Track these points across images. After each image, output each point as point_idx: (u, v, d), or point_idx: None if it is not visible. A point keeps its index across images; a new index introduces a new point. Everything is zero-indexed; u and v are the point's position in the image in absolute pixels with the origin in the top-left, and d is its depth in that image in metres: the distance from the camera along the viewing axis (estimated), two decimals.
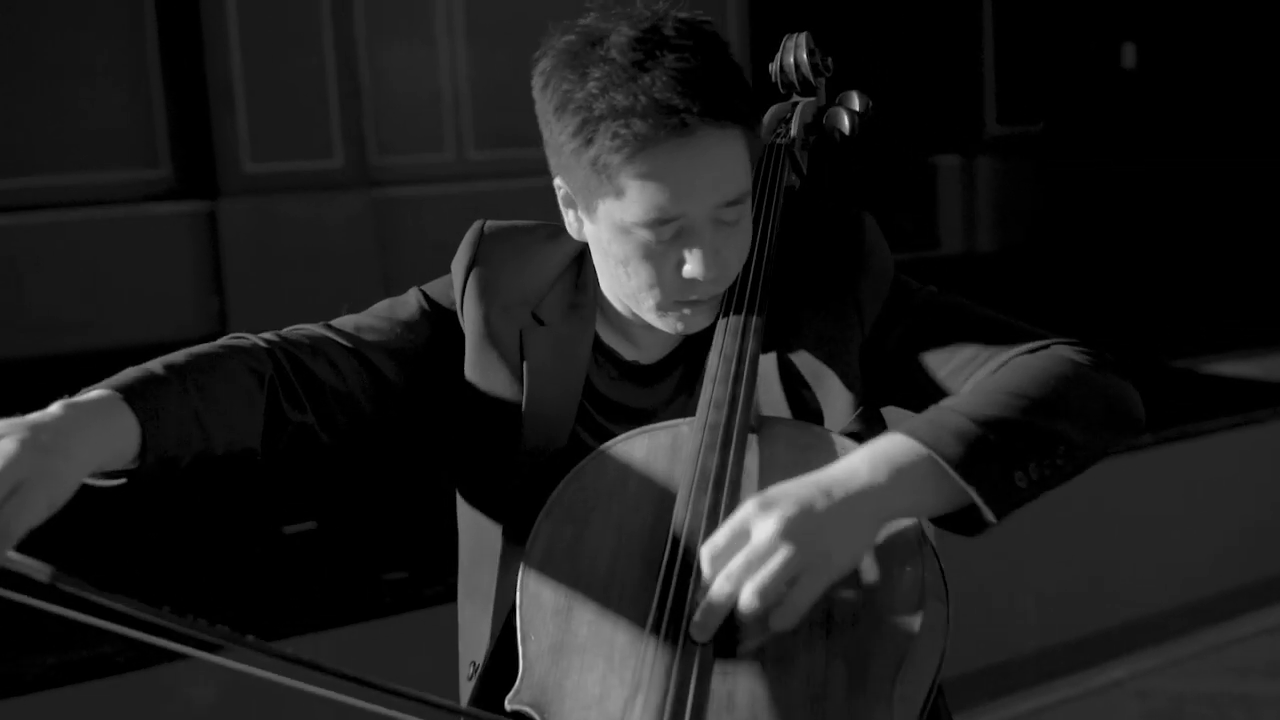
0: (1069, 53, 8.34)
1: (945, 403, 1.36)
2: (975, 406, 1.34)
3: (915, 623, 1.30)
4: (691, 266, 1.41)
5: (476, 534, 1.57)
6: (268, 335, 1.48)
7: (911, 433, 1.31)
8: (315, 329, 1.53)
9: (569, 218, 1.49)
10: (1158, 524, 4.11)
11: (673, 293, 1.44)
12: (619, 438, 1.46)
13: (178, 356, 1.38)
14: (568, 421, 1.52)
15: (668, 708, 1.25)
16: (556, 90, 1.40)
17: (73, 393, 1.29)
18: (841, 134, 1.74)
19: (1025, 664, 3.75)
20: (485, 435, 1.55)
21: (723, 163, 1.39)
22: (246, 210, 6.03)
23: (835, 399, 1.49)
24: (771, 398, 1.50)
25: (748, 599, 1.23)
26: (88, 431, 1.23)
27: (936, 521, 1.37)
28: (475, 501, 1.58)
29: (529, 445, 1.52)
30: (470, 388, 1.55)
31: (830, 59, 1.82)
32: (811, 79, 1.80)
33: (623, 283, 1.46)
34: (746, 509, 1.27)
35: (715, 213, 1.41)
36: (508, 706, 1.36)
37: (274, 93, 6.00)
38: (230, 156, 6.00)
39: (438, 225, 6.17)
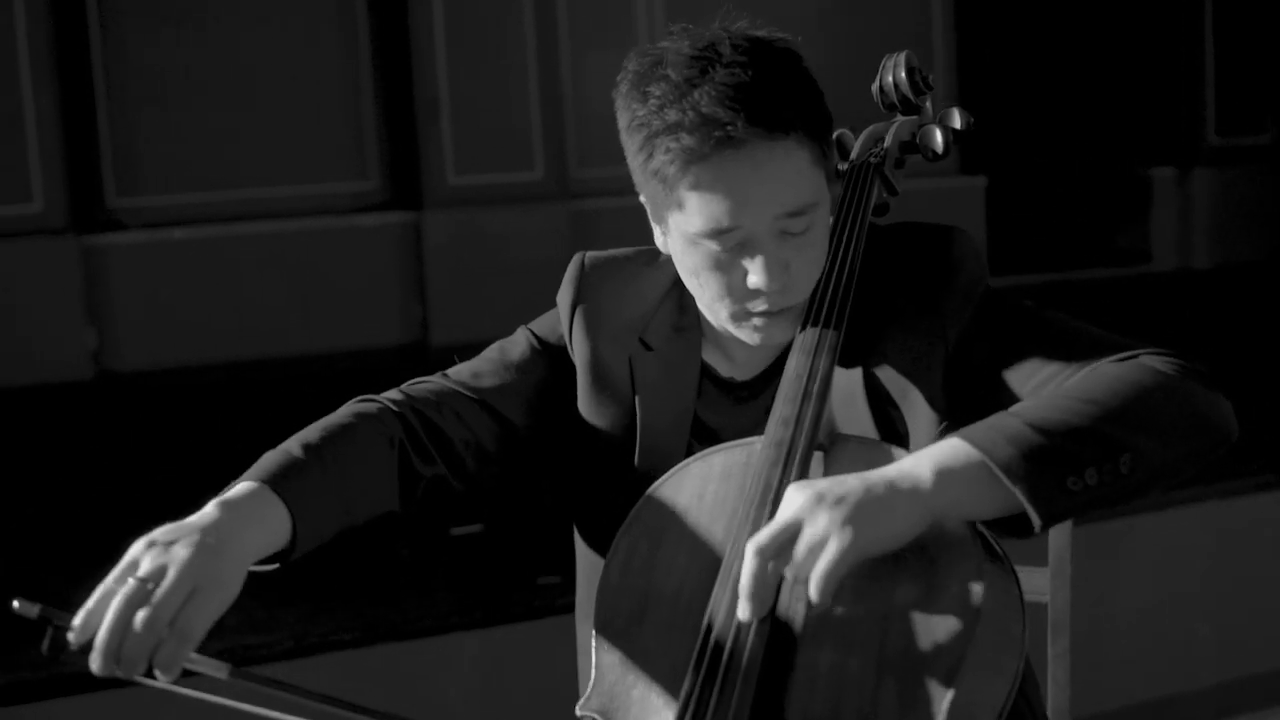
0: None
1: (1011, 408, 1.36)
2: (1036, 411, 1.34)
3: (969, 632, 1.28)
4: (755, 276, 1.44)
5: (592, 560, 1.60)
6: (393, 395, 1.55)
7: (966, 436, 1.33)
8: (435, 381, 1.60)
9: (656, 234, 1.55)
10: None
11: (742, 303, 1.47)
12: (698, 454, 1.49)
13: (312, 434, 1.45)
14: (682, 443, 1.56)
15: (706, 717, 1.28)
16: (625, 110, 1.47)
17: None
18: (934, 152, 1.74)
19: (1201, 698, 3.61)
20: (600, 464, 1.59)
21: (779, 173, 1.41)
22: (450, 222, 6.23)
23: (920, 416, 1.50)
24: (857, 415, 1.51)
25: (770, 571, 1.27)
26: (248, 532, 1.31)
27: (993, 526, 1.37)
28: (589, 528, 1.62)
29: (642, 470, 1.55)
30: (584, 419, 1.60)
31: (931, 76, 1.82)
32: (912, 97, 1.80)
33: (699, 294, 1.51)
34: (784, 496, 1.31)
35: (777, 224, 1.43)
36: (578, 712, 1.41)
37: (478, 106, 6.18)
38: (435, 169, 6.21)
39: (636, 237, 6.22)
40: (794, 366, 1.46)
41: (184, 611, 1.22)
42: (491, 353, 1.63)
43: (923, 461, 1.31)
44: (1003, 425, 1.32)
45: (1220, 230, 7.94)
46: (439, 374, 1.61)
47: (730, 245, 1.44)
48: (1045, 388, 1.43)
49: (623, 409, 1.59)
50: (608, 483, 1.58)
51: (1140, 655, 3.56)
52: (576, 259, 1.67)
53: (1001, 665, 1.31)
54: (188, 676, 1.24)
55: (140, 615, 1.20)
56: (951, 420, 1.48)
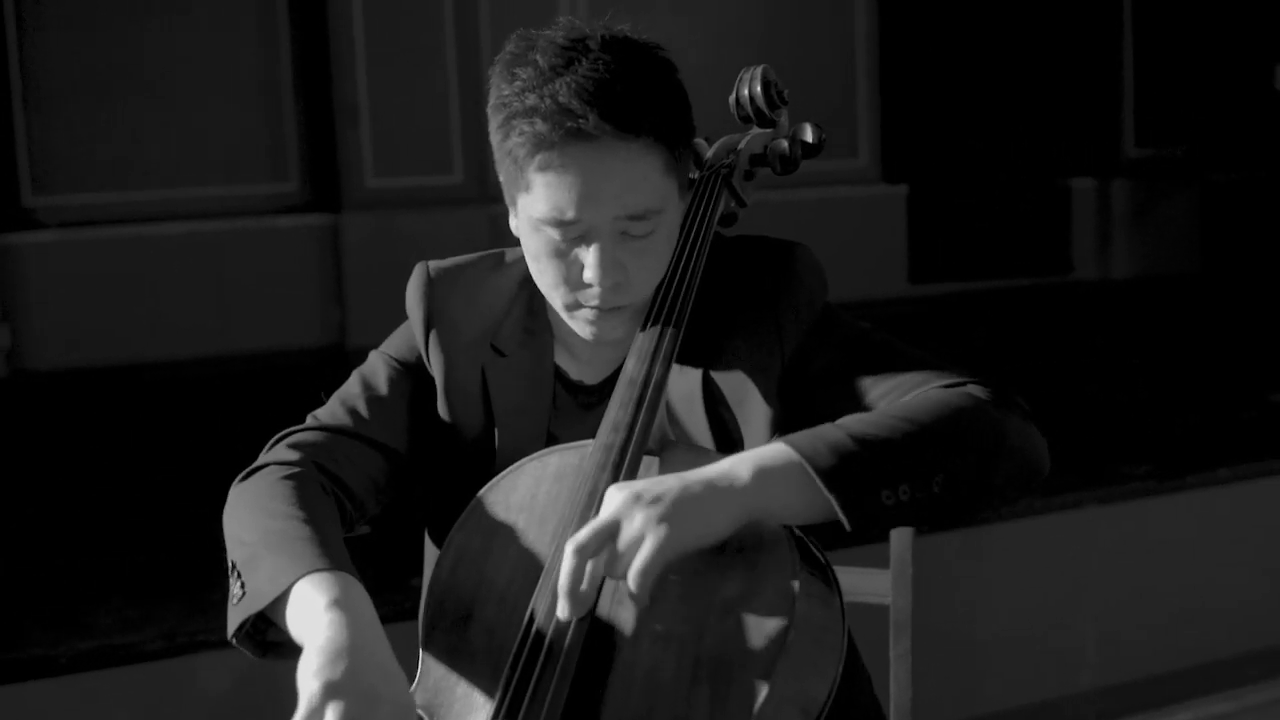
0: (1215, 75, 8.09)
1: (837, 421, 1.39)
2: (859, 425, 1.37)
3: (782, 636, 1.30)
4: (589, 271, 1.46)
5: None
6: (288, 455, 1.51)
7: (790, 441, 1.35)
8: (314, 431, 1.56)
9: (510, 217, 1.54)
10: (1240, 563, 3.97)
11: (575, 293, 1.48)
12: (534, 455, 1.50)
13: (291, 508, 1.40)
14: (538, 448, 1.54)
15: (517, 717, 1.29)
16: (494, 88, 1.48)
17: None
18: (783, 164, 1.77)
19: (1081, 701, 3.67)
20: (460, 469, 1.59)
21: (625, 174, 1.43)
22: (368, 224, 6.22)
23: (755, 423, 1.53)
24: (694, 418, 1.54)
25: (591, 571, 1.28)
26: (378, 632, 1.28)
27: (816, 530, 1.40)
28: (442, 531, 1.59)
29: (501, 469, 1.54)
30: (445, 429, 1.60)
31: (786, 91, 1.85)
32: (766, 111, 1.83)
33: (539, 278, 1.52)
34: (605, 497, 1.33)
35: (618, 223, 1.45)
36: None
37: (397, 109, 6.18)
38: (354, 171, 6.20)
39: None
40: (629, 371, 1.48)
41: None
42: (354, 387, 1.61)
43: (743, 461, 1.34)
44: (825, 434, 1.36)
45: (1139, 241, 8.06)
46: (310, 418, 1.59)
47: (570, 236, 1.45)
48: (874, 406, 1.47)
49: (480, 420, 1.59)
50: (467, 488, 1.57)
51: (998, 663, 3.60)
52: (420, 270, 1.65)
53: (820, 667, 1.34)
54: None
55: None
56: (783, 431, 1.49)
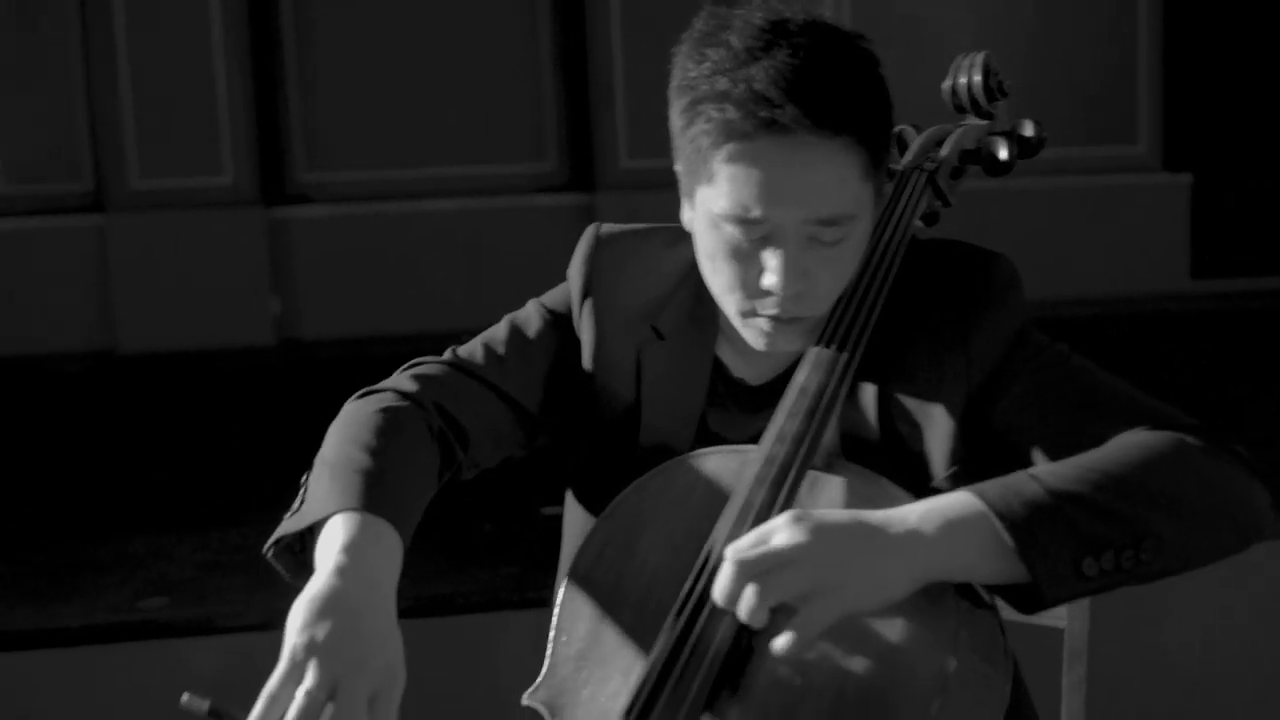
0: None
1: (1031, 469, 1.27)
2: (1058, 478, 1.24)
3: (934, 691, 1.21)
4: (770, 277, 1.34)
5: (580, 518, 1.53)
6: (408, 386, 1.46)
7: (979, 492, 1.23)
8: (447, 368, 1.51)
9: (683, 209, 1.44)
10: None
11: (752, 300, 1.37)
12: (692, 454, 1.42)
13: (368, 437, 1.35)
14: (686, 437, 1.48)
15: None
16: (679, 68, 1.38)
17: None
18: (997, 164, 1.64)
19: None
20: (600, 441, 1.52)
21: (821, 175, 1.32)
22: (622, 204, 6.24)
23: (935, 448, 1.41)
24: (866, 430, 1.43)
25: (749, 599, 1.19)
26: (387, 583, 1.23)
27: (991, 589, 1.29)
28: (581, 488, 1.55)
29: (644, 448, 1.49)
30: (587, 393, 1.52)
31: (1007, 82, 1.71)
32: (984, 102, 1.70)
33: (710, 280, 1.41)
34: (779, 519, 1.23)
35: (807, 227, 1.33)
36: (524, 701, 1.36)
37: (652, 92, 6.17)
38: (609, 152, 6.24)
39: None
40: (801, 380, 1.38)
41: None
42: (501, 332, 1.54)
43: (930, 514, 1.23)
44: (1020, 488, 1.23)
45: None
46: (449, 352, 1.53)
47: (753, 236, 1.34)
48: (1069, 443, 1.33)
49: (627, 397, 1.50)
50: (607, 458, 1.51)
51: (1182, 697, 3.31)
52: (590, 231, 1.56)
53: (985, 705, 1.25)
54: None
55: None
56: (963, 465, 1.38)
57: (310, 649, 1.14)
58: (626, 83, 6.19)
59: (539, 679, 1.36)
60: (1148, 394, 1.38)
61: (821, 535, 1.20)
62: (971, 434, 1.39)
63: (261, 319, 6.14)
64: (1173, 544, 1.23)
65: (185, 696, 1.13)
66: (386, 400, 1.42)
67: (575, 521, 1.57)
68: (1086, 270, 6.74)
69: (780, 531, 1.22)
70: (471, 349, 1.53)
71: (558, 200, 6.38)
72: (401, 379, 1.47)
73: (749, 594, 1.20)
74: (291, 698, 1.12)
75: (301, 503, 1.30)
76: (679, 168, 1.41)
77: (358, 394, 1.46)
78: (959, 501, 1.23)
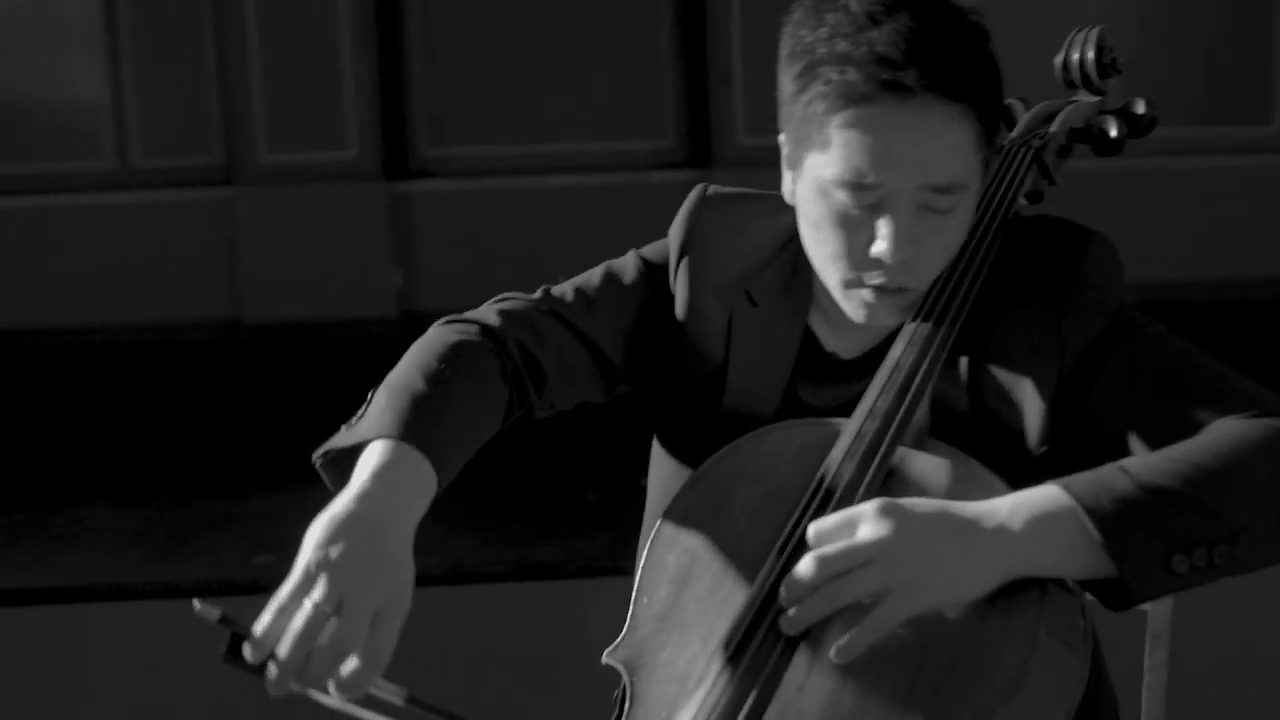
0: None
1: (1121, 461, 1.26)
2: (1150, 471, 1.23)
3: (1013, 680, 1.22)
4: (881, 244, 1.34)
5: (666, 486, 1.54)
6: (491, 320, 1.47)
7: (1067, 486, 1.24)
8: (535, 308, 1.51)
9: (786, 181, 1.45)
10: None
11: (859, 270, 1.37)
12: (781, 424, 1.44)
13: (436, 365, 1.36)
14: (771, 404, 1.49)
15: (728, 695, 1.25)
16: (791, 35, 1.39)
17: None
18: (1107, 142, 1.64)
19: None
20: (688, 395, 1.53)
21: (938, 140, 1.32)
22: (738, 181, 6.23)
23: (1027, 425, 1.40)
24: (957, 402, 1.43)
25: (823, 594, 1.22)
26: (411, 513, 1.24)
27: (1079, 584, 1.29)
28: (668, 439, 1.57)
29: (728, 409, 1.50)
30: (674, 348, 1.54)
31: (1121, 58, 1.70)
32: (1096, 78, 1.70)
33: (814, 251, 1.41)
34: (867, 507, 1.25)
35: (921, 194, 1.34)
36: (604, 660, 1.38)
37: (767, 70, 6.16)
38: (726, 129, 6.23)
39: None
40: (897, 356, 1.39)
41: (370, 639, 1.16)
42: (595, 279, 1.55)
43: (1018, 508, 1.23)
44: (1110, 481, 1.23)
45: None
46: (542, 290, 1.54)
47: (865, 203, 1.34)
48: (1162, 429, 1.32)
49: (716, 359, 1.52)
50: (691, 410, 1.53)
51: (1269, 683, 3.22)
52: (696, 191, 1.58)
53: (1061, 690, 1.24)
54: (363, 698, 1.19)
55: (325, 643, 1.14)
56: (1055, 445, 1.38)
57: (322, 565, 1.17)
58: (745, 60, 6.17)
59: (619, 638, 1.38)
60: (1251, 380, 1.36)
61: (907, 530, 1.21)
62: (1064, 414, 1.39)
63: (384, 291, 6.25)
64: (1265, 539, 1.22)
65: (197, 604, 1.17)
66: (466, 332, 1.44)
67: (659, 476, 1.59)
68: (1211, 254, 6.58)
69: (866, 522, 1.23)
70: (563, 290, 1.55)
71: (675, 176, 6.39)
72: (488, 312, 1.49)
73: (822, 598, 1.22)
74: (299, 608, 1.16)
75: (360, 419, 1.33)
76: (784, 136, 1.42)
77: (443, 319, 1.48)
78: (1048, 496, 1.23)
